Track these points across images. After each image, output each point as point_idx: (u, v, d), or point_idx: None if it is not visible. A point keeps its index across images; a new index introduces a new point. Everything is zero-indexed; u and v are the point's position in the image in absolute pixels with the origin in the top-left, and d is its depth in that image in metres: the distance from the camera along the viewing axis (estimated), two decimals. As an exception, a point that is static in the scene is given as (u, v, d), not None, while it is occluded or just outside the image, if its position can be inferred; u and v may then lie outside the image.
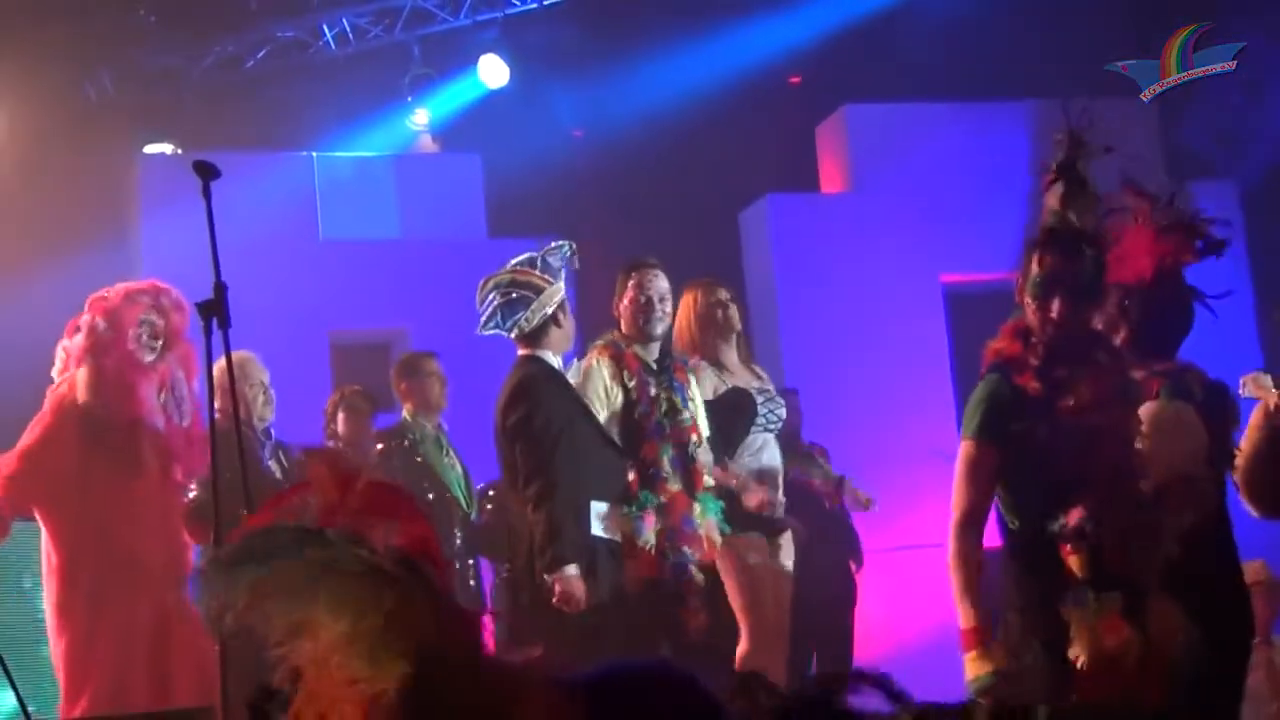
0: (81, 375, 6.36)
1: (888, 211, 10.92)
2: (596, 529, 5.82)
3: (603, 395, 6.10)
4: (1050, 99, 11.59)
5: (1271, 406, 4.85)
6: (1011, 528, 4.48)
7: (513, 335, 6.00)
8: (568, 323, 6.08)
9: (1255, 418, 4.98)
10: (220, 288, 4.46)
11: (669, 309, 6.34)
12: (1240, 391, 5.96)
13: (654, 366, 6.26)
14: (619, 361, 6.19)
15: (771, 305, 10.84)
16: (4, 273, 9.57)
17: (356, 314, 10.56)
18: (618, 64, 11.62)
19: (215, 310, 4.45)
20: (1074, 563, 4.20)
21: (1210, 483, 4.68)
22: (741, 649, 6.37)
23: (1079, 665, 4.10)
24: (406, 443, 7.94)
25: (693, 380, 6.40)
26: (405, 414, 8.12)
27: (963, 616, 4.31)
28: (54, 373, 6.58)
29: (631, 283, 6.28)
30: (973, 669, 4.27)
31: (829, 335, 10.64)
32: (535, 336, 5.99)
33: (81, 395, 6.33)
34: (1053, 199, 4.58)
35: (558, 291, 6.00)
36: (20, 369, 7.10)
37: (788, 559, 6.75)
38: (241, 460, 4.79)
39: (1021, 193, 11.00)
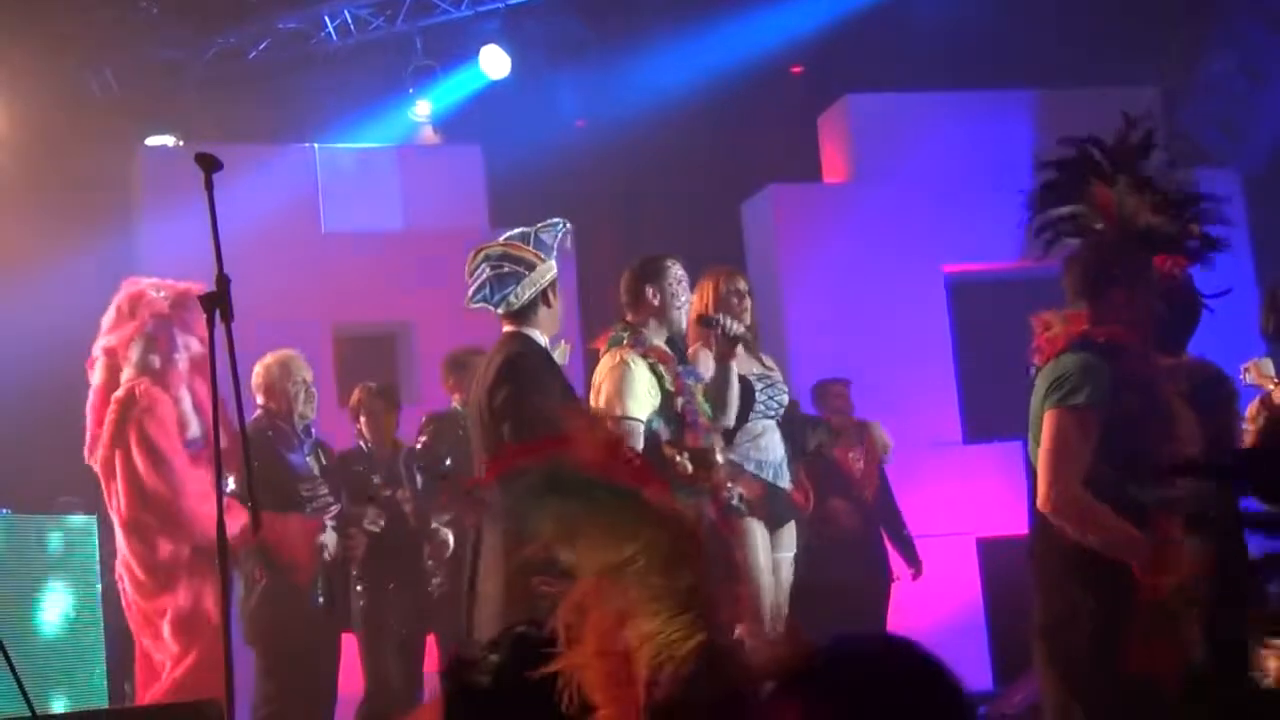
0: (187, 401, 6.51)
1: (890, 201, 10.91)
2: None
3: (648, 393, 6.02)
4: (1053, 89, 11.64)
5: (1274, 397, 4.87)
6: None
7: (500, 311, 5.87)
8: (558, 303, 5.92)
9: (1252, 409, 5.01)
10: (223, 280, 4.44)
11: (689, 297, 6.38)
12: (1241, 378, 5.97)
13: (683, 360, 6.27)
14: (648, 356, 6.17)
15: (774, 295, 10.83)
16: (7, 264, 9.58)
17: (359, 306, 10.56)
18: (619, 54, 11.61)
19: (219, 303, 4.44)
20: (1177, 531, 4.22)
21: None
22: None
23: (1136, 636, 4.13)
24: (459, 429, 8.01)
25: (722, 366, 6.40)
26: (454, 404, 8.20)
27: (1138, 548, 4.25)
28: (99, 375, 6.68)
29: (665, 277, 6.28)
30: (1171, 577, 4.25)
31: (831, 324, 10.63)
32: (523, 314, 5.84)
33: (191, 422, 6.54)
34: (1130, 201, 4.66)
35: (549, 269, 5.86)
36: (24, 357, 7.12)
37: (789, 549, 6.75)
38: (246, 453, 4.85)
39: (1024, 183, 11.00)
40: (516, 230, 5.97)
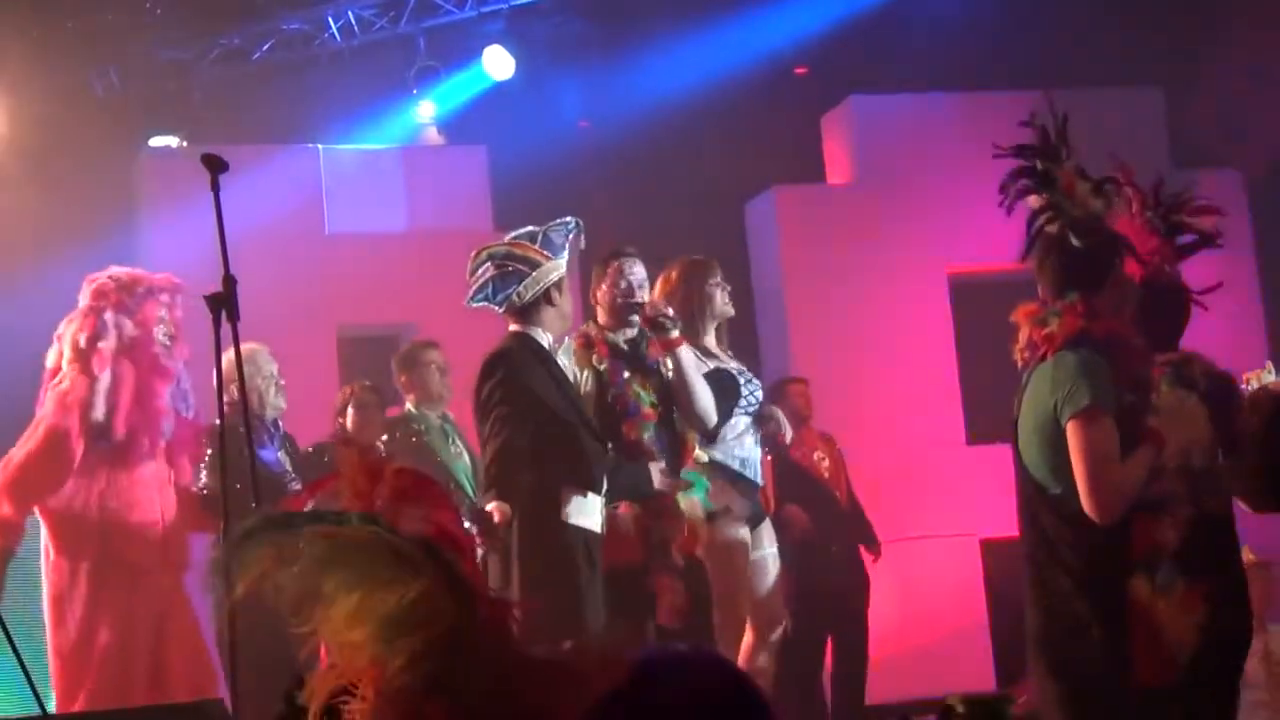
0: (103, 384, 6.28)
1: (894, 202, 10.91)
2: (575, 519, 5.67)
3: (574, 379, 6.04)
4: (1057, 89, 11.62)
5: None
6: (1074, 509, 4.36)
7: (503, 310, 5.89)
8: (564, 302, 5.92)
9: (1251, 394, 5.02)
10: (229, 281, 4.46)
11: (646, 295, 6.34)
12: (1245, 387, 5.96)
13: (625, 349, 6.24)
14: (589, 346, 6.19)
15: (778, 296, 10.84)
16: (10, 266, 9.58)
17: (363, 307, 10.56)
18: (623, 55, 11.62)
19: (225, 303, 4.45)
20: (1167, 538, 4.19)
21: (1213, 473, 4.67)
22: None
23: (1144, 647, 4.11)
24: (412, 435, 7.94)
25: (672, 355, 6.35)
26: (409, 405, 8.13)
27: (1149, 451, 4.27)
28: (50, 360, 6.50)
29: (610, 270, 6.29)
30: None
31: (835, 325, 10.63)
32: (527, 313, 5.85)
33: (99, 402, 6.26)
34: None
35: (555, 268, 5.87)
36: (25, 360, 7.10)
37: (771, 545, 6.72)
38: (250, 452, 4.81)
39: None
40: (524, 229, 5.97)
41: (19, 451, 6.34)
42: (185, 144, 10.75)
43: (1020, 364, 4.55)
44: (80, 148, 10.34)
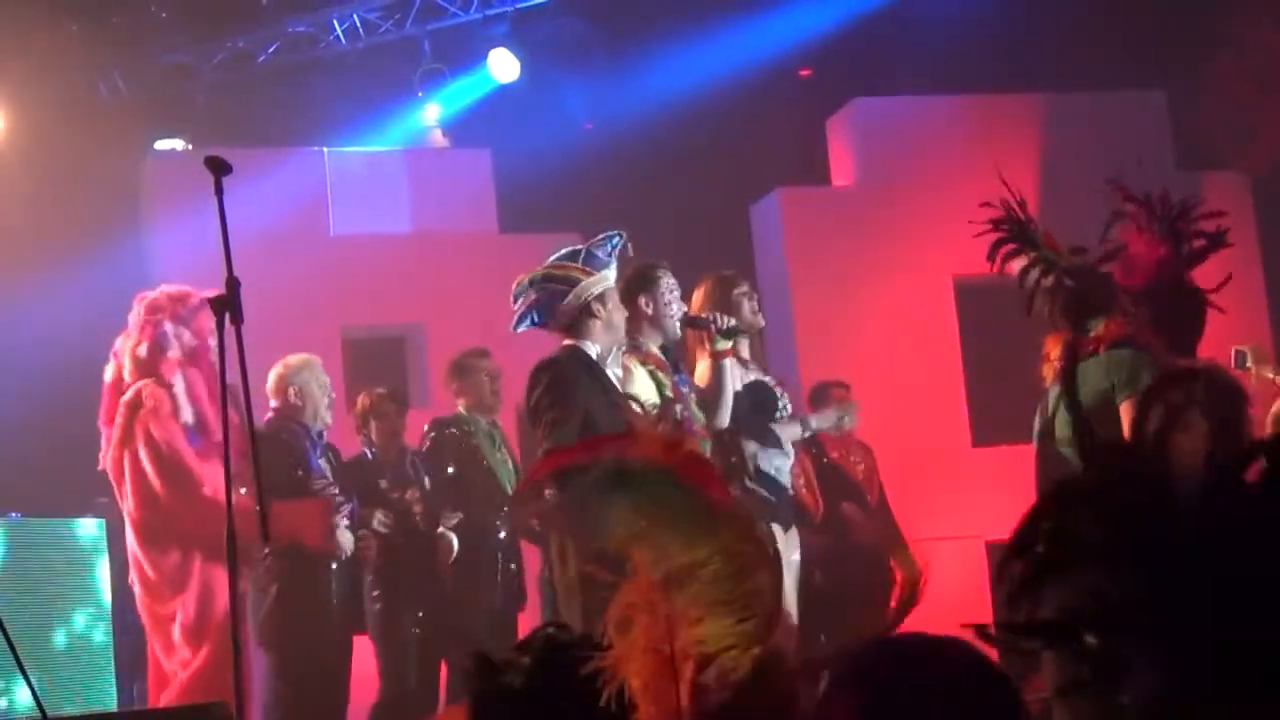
0: (179, 387, 6.48)
1: (899, 205, 10.90)
2: None
3: (650, 399, 6.05)
4: (1061, 92, 11.64)
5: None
6: None
7: (549, 328, 6.00)
8: (608, 313, 5.97)
9: (1276, 408, 5.05)
10: (233, 283, 4.46)
11: (677, 293, 6.42)
12: (1234, 363, 6.02)
13: (669, 365, 6.30)
14: (647, 362, 6.23)
15: (783, 298, 10.83)
16: (16, 269, 9.59)
17: (368, 309, 10.57)
18: (628, 57, 11.61)
19: (229, 306, 4.46)
20: None
21: None
22: None
23: None
24: (461, 435, 8.02)
25: (717, 365, 6.44)
26: (461, 409, 8.20)
27: None
28: (109, 375, 6.70)
29: (655, 285, 6.33)
30: None
31: (840, 328, 10.63)
32: (574, 328, 5.95)
33: (184, 405, 6.46)
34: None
35: (597, 281, 5.94)
36: (35, 360, 7.13)
37: (794, 552, 6.76)
38: (254, 450, 4.86)
39: (1032, 187, 10.99)
40: (566, 249, 6.05)
41: (155, 480, 6.56)
42: (190, 147, 10.76)
43: (1050, 380, 4.73)
44: (85, 151, 10.35)
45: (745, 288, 6.82)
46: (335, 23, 11.22)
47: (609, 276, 5.99)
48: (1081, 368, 4.63)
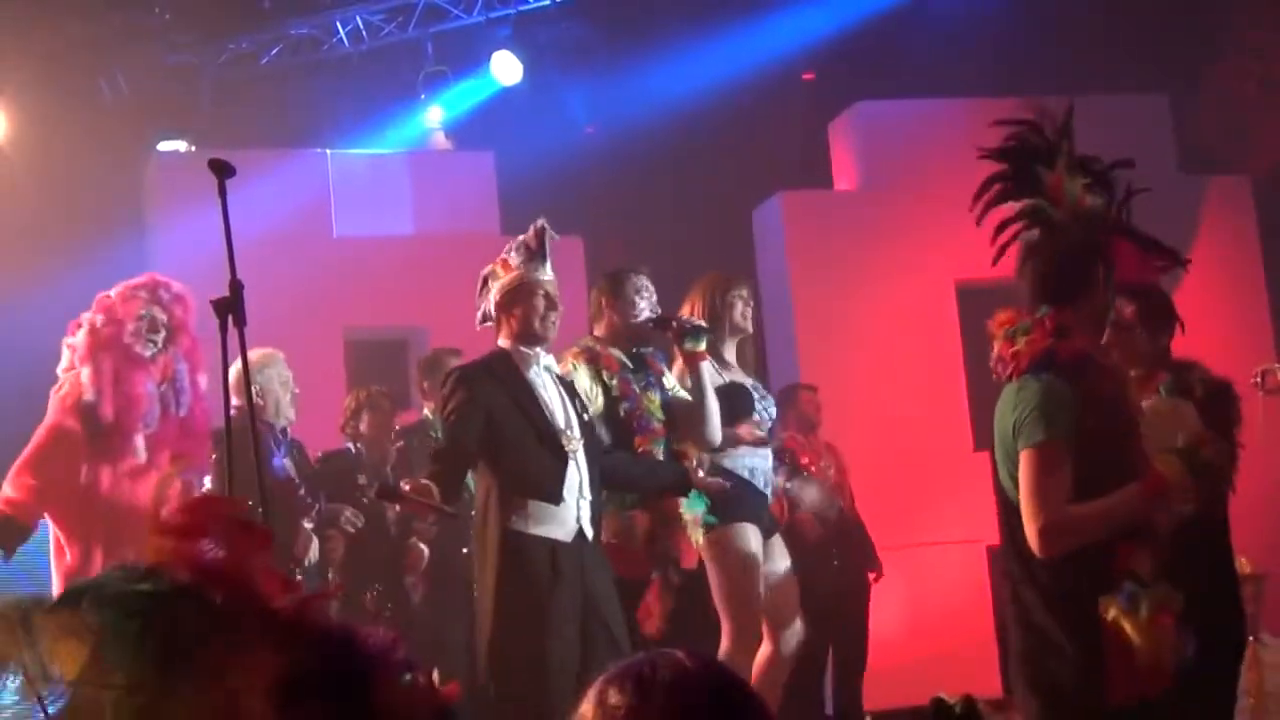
0: (84, 374, 6.40)
1: (900, 208, 10.91)
2: (529, 528, 5.58)
3: (587, 397, 6.07)
4: (1064, 96, 11.62)
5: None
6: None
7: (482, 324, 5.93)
8: (527, 310, 5.76)
9: None
10: (236, 285, 4.47)
11: (648, 297, 6.40)
12: (1254, 382, 5.96)
13: (630, 364, 6.28)
14: (595, 362, 6.22)
15: (785, 302, 10.84)
16: (18, 269, 9.60)
17: (370, 311, 10.58)
18: (630, 60, 11.63)
19: (231, 308, 4.46)
20: (1137, 560, 4.12)
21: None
22: (723, 647, 6.34)
23: (1118, 666, 4.05)
24: (430, 438, 7.95)
25: (666, 372, 6.43)
26: (427, 411, 8.13)
27: (1131, 500, 4.12)
28: (59, 370, 6.63)
29: (621, 288, 6.34)
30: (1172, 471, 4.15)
31: (842, 332, 10.64)
32: (497, 327, 5.85)
33: (84, 395, 6.37)
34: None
35: (510, 281, 5.79)
36: (35, 365, 7.11)
37: (783, 560, 6.72)
38: (257, 457, 4.81)
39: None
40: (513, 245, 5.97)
41: (30, 446, 6.45)
42: (193, 148, 10.77)
43: (995, 377, 4.42)
44: (88, 152, 10.37)
45: (742, 290, 6.77)
46: (338, 25, 11.24)
47: (533, 271, 5.80)
48: (1002, 397, 4.32)
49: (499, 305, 5.79)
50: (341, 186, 10.99)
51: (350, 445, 8.13)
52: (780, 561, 6.68)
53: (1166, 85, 11.60)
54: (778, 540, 6.73)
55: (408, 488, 5.32)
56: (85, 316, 6.53)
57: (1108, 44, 11.23)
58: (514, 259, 5.82)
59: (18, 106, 10.32)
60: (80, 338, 6.49)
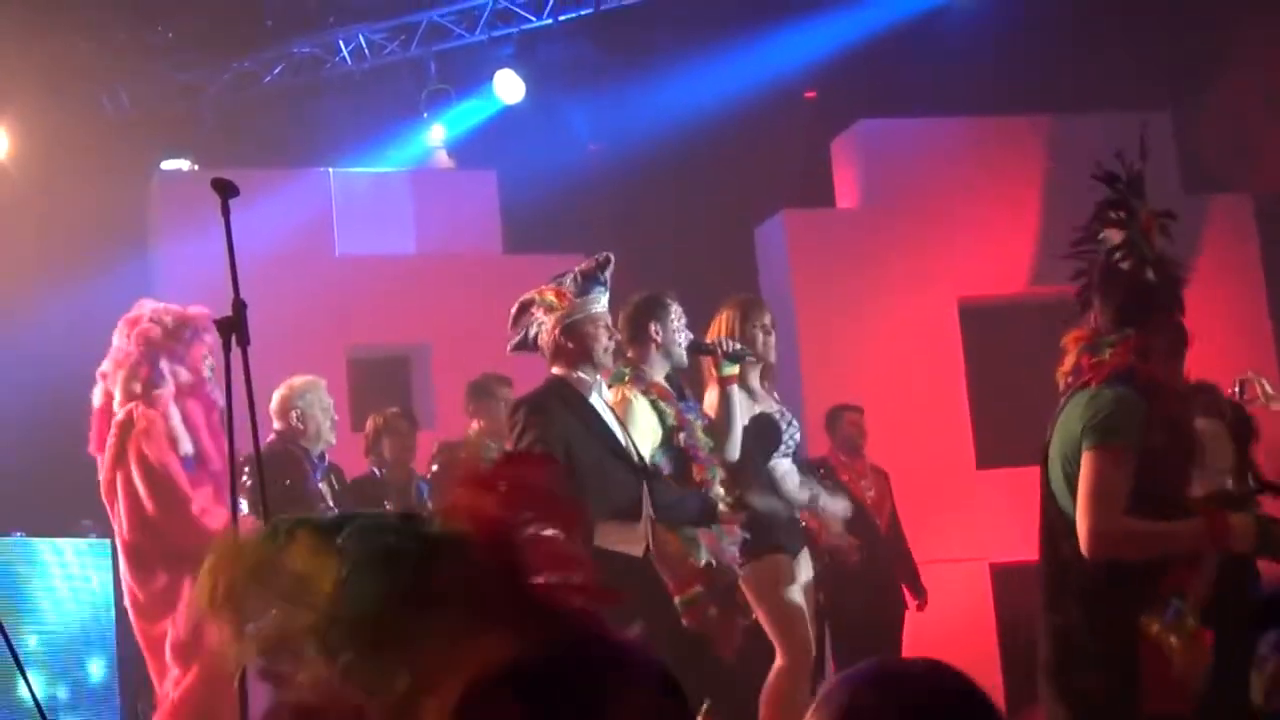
0: (176, 418, 6.49)
1: (903, 227, 10.91)
2: (612, 545, 5.60)
3: (651, 429, 6.08)
4: (1066, 114, 11.65)
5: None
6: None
7: (541, 354, 5.94)
8: (588, 341, 5.83)
9: None
10: (239, 305, 4.47)
11: (683, 322, 6.40)
12: (1232, 392, 5.98)
13: (675, 393, 6.30)
14: (650, 393, 6.22)
15: (788, 320, 10.82)
16: (22, 288, 9.61)
17: (373, 329, 10.59)
18: (633, 79, 11.64)
19: (235, 328, 4.47)
20: (1189, 584, 4.15)
21: (1243, 500, 4.67)
22: (778, 666, 6.38)
23: (1155, 681, 4.07)
24: (471, 457, 7.99)
25: (724, 392, 6.44)
26: (471, 431, 8.16)
27: (1193, 531, 4.18)
28: (97, 399, 6.68)
29: (662, 313, 6.33)
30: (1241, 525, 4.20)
31: (845, 350, 10.63)
32: (557, 356, 5.86)
33: (182, 436, 6.47)
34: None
35: (578, 308, 5.84)
36: (40, 381, 7.13)
37: (805, 572, 6.75)
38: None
39: (1036, 209, 11.00)
40: (561, 273, 5.99)
41: (147, 500, 6.53)
42: (196, 167, 10.79)
43: (1062, 387, 4.50)
44: (91, 171, 10.38)
45: (766, 320, 6.78)
46: (341, 44, 11.25)
47: (593, 302, 5.87)
48: (1069, 403, 4.39)
49: (561, 335, 5.83)
50: (344, 205, 11.00)
51: (374, 470, 8.17)
52: (802, 574, 6.71)
53: (1169, 104, 11.61)
54: (805, 554, 6.76)
55: None
56: (164, 365, 6.61)
57: (1109, 62, 11.23)
58: (571, 288, 5.86)
59: (21, 125, 10.33)
60: (159, 388, 6.58)
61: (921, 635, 9.94)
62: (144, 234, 10.88)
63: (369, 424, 8.37)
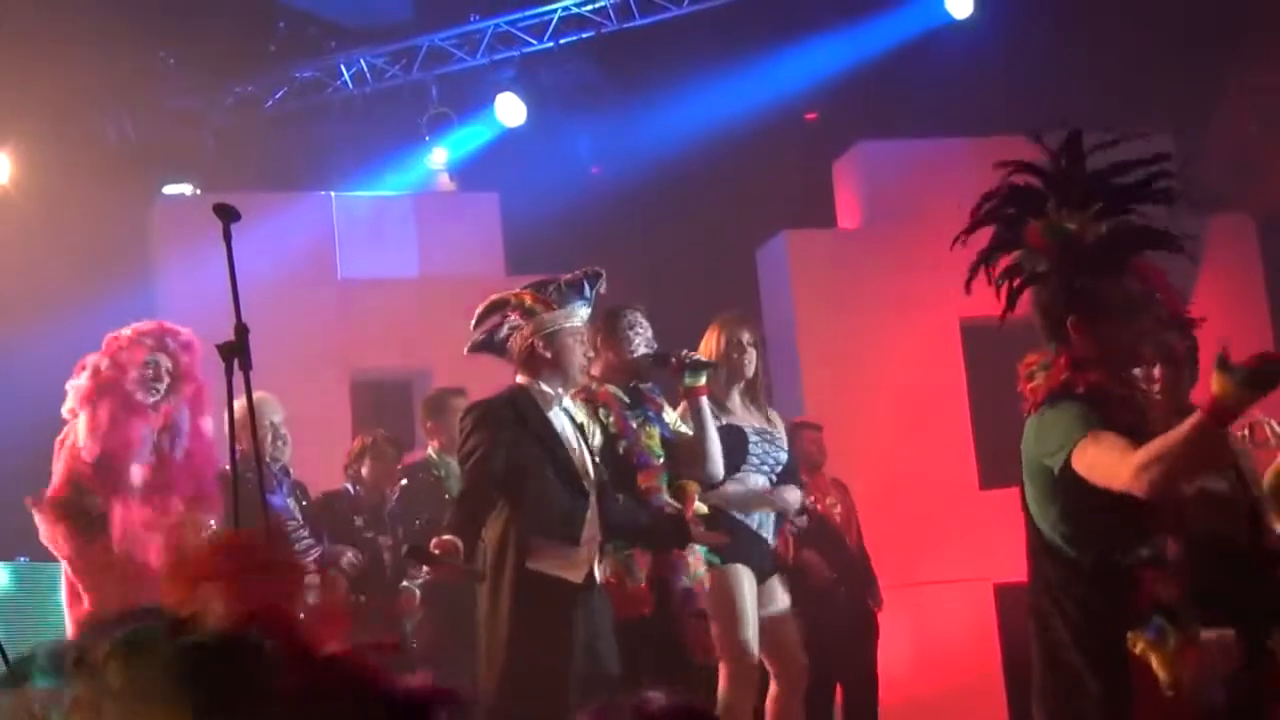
0: (82, 421, 6.38)
1: (904, 247, 10.91)
2: (546, 568, 5.56)
3: (583, 435, 6.01)
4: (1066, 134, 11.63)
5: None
6: (1070, 557, 4.28)
7: (506, 359, 5.89)
8: (556, 353, 5.76)
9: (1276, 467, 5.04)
10: (241, 329, 4.47)
11: (643, 333, 6.38)
12: (1241, 435, 5.96)
13: (627, 400, 6.26)
14: (593, 400, 6.19)
15: (790, 341, 10.84)
16: (24, 312, 9.61)
17: (376, 353, 10.59)
18: (634, 101, 11.66)
19: (237, 352, 4.47)
20: (1162, 589, 4.10)
21: (1237, 503, 4.66)
22: (720, 688, 6.33)
23: (1146, 703, 4.03)
24: (431, 479, 7.95)
25: (666, 407, 6.40)
26: (430, 451, 8.13)
27: (1187, 430, 3.91)
28: (63, 410, 6.62)
29: (618, 326, 6.32)
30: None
31: (847, 370, 10.63)
32: (525, 364, 5.80)
33: (81, 441, 6.35)
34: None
35: (555, 320, 5.79)
36: (40, 409, 7.11)
37: (781, 603, 6.71)
38: (262, 492, 4.82)
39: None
40: (540, 279, 5.96)
41: (50, 491, 6.44)
42: (199, 191, 10.80)
43: (1025, 414, 4.51)
44: (93, 195, 10.39)
45: (746, 335, 6.77)
46: (343, 68, 11.27)
47: (572, 315, 5.82)
48: (1026, 428, 4.38)
49: (536, 342, 5.76)
50: (346, 229, 11.01)
51: (349, 486, 8.11)
52: (779, 601, 6.67)
53: (1170, 123, 11.61)
54: (776, 580, 6.72)
55: (436, 549, 5.29)
56: (90, 359, 6.51)
57: (1111, 82, 11.24)
58: (554, 297, 5.82)
59: (23, 149, 10.34)
60: (83, 380, 6.47)
61: (925, 656, 9.93)
62: (146, 258, 10.89)
63: (355, 442, 8.34)
